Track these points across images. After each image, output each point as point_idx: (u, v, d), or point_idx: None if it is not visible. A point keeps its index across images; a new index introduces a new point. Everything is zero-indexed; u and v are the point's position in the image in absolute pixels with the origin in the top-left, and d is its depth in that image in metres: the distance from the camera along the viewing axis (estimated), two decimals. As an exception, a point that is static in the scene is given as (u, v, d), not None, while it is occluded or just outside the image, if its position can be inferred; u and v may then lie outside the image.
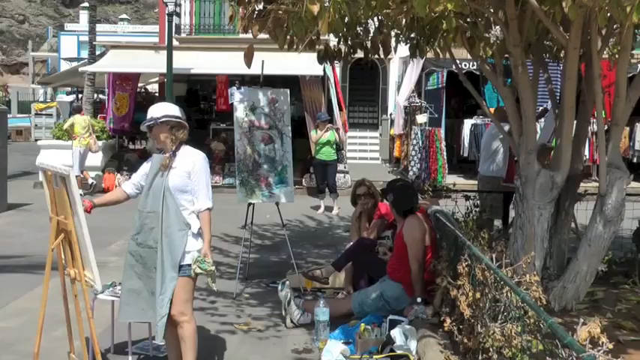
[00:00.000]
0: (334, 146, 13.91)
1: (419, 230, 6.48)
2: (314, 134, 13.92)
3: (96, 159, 16.94)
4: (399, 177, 16.04)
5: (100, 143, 16.28)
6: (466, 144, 17.52)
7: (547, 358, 3.68)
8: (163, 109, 5.03)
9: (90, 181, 15.72)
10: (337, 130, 14.81)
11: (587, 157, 15.82)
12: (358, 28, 6.93)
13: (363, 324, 5.87)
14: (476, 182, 10.89)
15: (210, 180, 5.06)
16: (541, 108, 10.50)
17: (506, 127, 7.26)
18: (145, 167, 5.16)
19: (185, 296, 4.90)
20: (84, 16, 42.67)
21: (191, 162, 4.94)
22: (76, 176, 15.31)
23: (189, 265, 4.84)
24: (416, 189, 7.92)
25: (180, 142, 5.01)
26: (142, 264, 4.94)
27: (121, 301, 5.05)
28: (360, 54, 7.31)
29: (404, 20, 6.45)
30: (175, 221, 4.86)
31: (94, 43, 20.87)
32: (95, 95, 21.56)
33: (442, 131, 17.13)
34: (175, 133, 4.97)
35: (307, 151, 15.41)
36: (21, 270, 8.52)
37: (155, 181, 4.95)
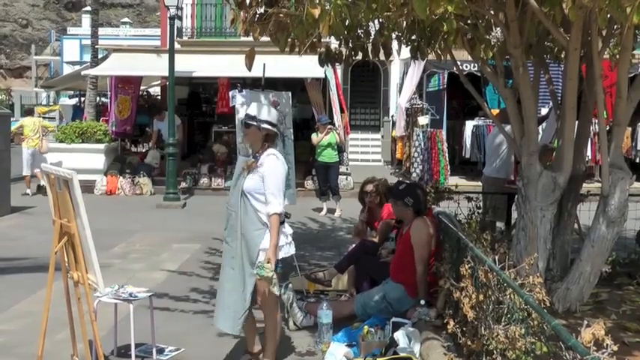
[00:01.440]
0: (335, 148, 13.91)
1: (427, 233, 6.45)
2: (314, 137, 13.91)
3: (98, 162, 16.95)
4: (399, 179, 16.03)
5: (49, 145, 16.44)
6: (468, 145, 17.51)
7: (551, 360, 3.66)
8: (268, 115, 5.23)
9: (42, 182, 15.72)
10: (337, 132, 14.78)
11: (590, 157, 15.79)
12: (359, 31, 6.92)
13: (366, 326, 5.85)
14: (478, 183, 10.87)
15: (282, 185, 5.19)
16: (545, 108, 10.48)
17: (508, 128, 7.24)
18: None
19: (264, 289, 5.13)
20: (86, 19, 42.75)
21: (267, 167, 5.12)
22: (24, 176, 15.71)
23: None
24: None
25: (267, 148, 5.21)
26: (226, 259, 5.29)
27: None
28: (361, 56, 7.30)
29: (404, 22, 6.45)
30: (251, 221, 5.11)
31: (96, 46, 20.88)
32: (98, 98, 21.57)
33: (444, 133, 17.12)
34: (267, 140, 5.21)
35: (309, 154, 15.39)
36: (24, 273, 8.52)
37: (238, 182, 5.21)
